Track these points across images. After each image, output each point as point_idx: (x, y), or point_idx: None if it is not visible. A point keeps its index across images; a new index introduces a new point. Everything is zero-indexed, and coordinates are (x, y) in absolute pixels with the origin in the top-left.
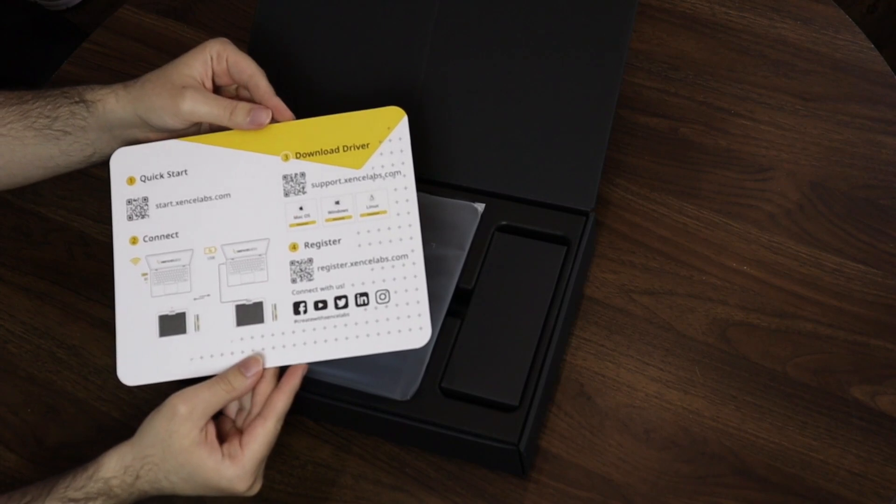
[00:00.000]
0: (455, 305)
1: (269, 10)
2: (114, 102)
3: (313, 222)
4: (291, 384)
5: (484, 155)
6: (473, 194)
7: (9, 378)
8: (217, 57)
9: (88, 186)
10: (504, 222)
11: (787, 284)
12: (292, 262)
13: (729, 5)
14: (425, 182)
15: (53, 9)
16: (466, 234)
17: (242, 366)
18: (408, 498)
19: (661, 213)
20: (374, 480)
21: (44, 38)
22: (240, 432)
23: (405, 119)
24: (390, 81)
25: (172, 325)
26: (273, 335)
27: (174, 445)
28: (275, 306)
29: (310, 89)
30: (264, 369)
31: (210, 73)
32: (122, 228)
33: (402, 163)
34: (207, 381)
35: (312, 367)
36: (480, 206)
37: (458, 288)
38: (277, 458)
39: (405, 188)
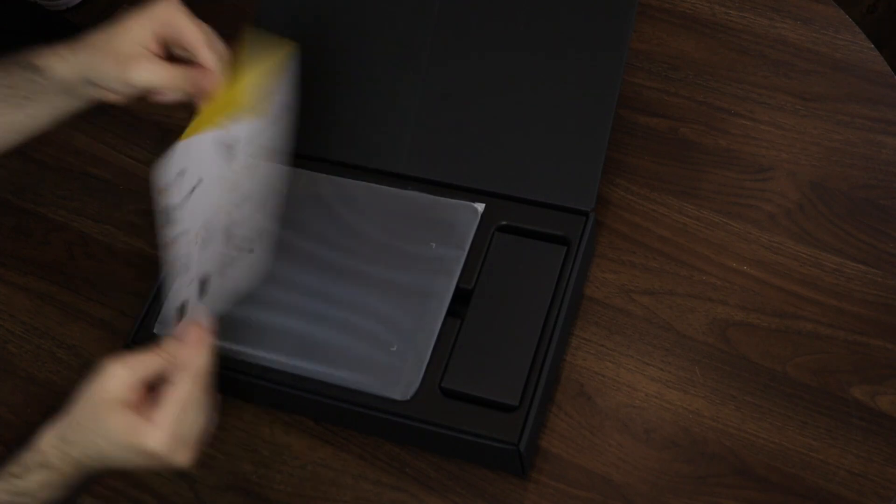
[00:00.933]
0: (455, 305)
1: (269, 10)
2: (62, 67)
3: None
4: (195, 336)
5: (484, 155)
6: (473, 194)
7: (9, 378)
8: (163, 24)
9: (88, 186)
10: (504, 222)
11: (787, 284)
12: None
13: (729, 5)
14: (426, 182)
15: (53, 9)
16: (466, 234)
17: (178, 333)
18: (408, 498)
19: (661, 213)
20: (374, 480)
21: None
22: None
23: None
24: (390, 81)
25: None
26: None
27: (103, 408)
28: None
29: (310, 90)
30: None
31: (157, 39)
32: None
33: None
34: (150, 351)
35: (311, 367)
36: (480, 206)
37: (458, 288)
38: (277, 458)
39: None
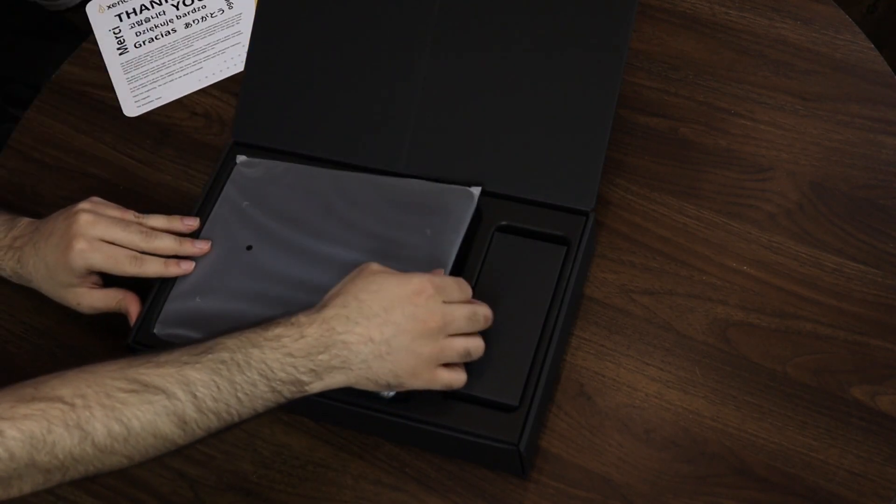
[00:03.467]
0: None
1: (269, 10)
2: (13, 265)
3: None
4: None
5: (484, 154)
6: None
7: (9, 378)
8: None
9: (88, 187)
10: (504, 222)
11: (787, 284)
12: None
13: (729, 5)
14: (426, 181)
15: (53, 9)
16: (462, 218)
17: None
18: (408, 498)
19: (661, 213)
20: (374, 480)
21: (44, 38)
22: None
23: None
24: (390, 80)
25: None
26: None
27: (365, 273)
28: None
29: (310, 89)
30: None
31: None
32: None
33: None
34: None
35: None
36: (476, 190)
37: None
38: (277, 458)
39: None
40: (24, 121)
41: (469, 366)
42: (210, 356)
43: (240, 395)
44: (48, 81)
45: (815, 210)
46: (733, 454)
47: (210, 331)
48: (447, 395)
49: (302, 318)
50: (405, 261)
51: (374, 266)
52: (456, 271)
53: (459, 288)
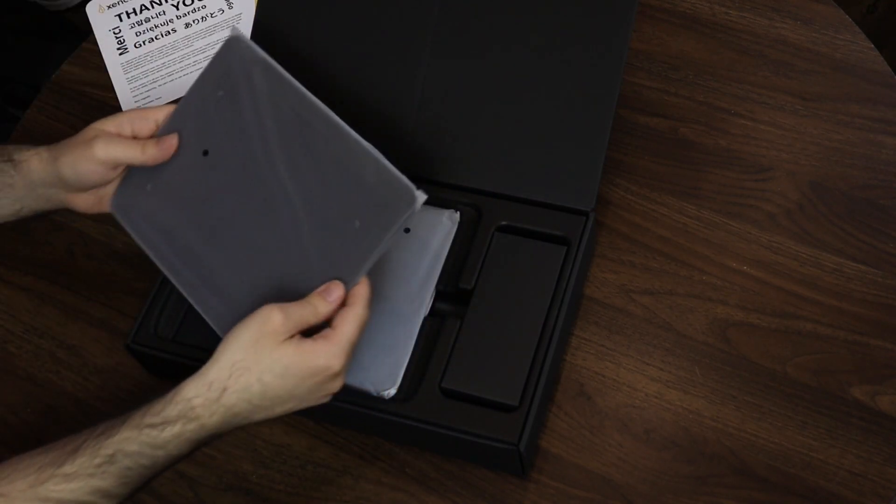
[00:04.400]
0: (455, 306)
1: (269, 10)
2: (37, 163)
3: None
4: (339, 290)
5: (484, 155)
6: (473, 194)
7: (9, 378)
8: (132, 123)
9: None
10: (504, 222)
11: (787, 284)
12: None
13: (729, 5)
14: (426, 182)
15: (53, 9)
16: (394, 219)
17: (325, 292)
18: (408, 498)
19: (661, 213)
20: (374, 480)
21: (44, 38)
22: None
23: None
24: (390, 81)
25: None
26: None
27: (268, 344)
28: None
29: (310, 89)
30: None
31: (123, 129)
32: None
33: None
34: (294, 303)
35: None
36: (422, 196)
37: (458, 288)
38: (277, 458)
39: None
40: (24, 121)
41: (469, 366)
42: (114, 466)
43: (151, 475)
44: (48, 81)
45: (815, 210)
46: (733, 454)
47: (148, 229)
48: (447, 395)
49: (200, 409)
50: (321, 252)
51: (276, 323)
52: (456, 271)
53: (360, 328)
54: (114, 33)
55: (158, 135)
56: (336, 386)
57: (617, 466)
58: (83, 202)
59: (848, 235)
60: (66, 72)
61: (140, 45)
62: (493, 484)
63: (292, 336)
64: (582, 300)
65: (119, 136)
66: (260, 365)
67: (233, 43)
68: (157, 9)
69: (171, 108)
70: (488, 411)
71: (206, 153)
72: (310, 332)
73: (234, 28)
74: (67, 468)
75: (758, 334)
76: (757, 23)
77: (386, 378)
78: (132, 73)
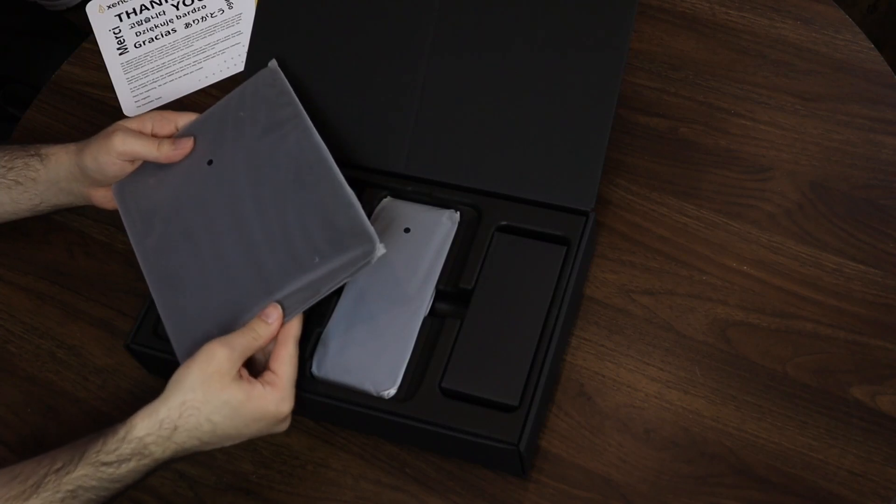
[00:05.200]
0: (455, 306)
1: (269, 10)
2: (64, 156)
3: None
4: (278, 313)
5: (484, 155)
6: (473, 194)
7: (9, 378)
8: (153, 122)
9: None
10: (504, 222)
11: (787, 284)
12: None
13: (729, 5)
14: (426, 182)
15: (53, 9)
16: (345, 269)
17: (264, 315)
18: (408, 498)
19: (661, 213)
20: (374, 480)
21: (44, 38)
22: (265, 367)
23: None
24: (390, 81)
25: None
26: None
27: (215, 385)
28: None
29: (310, 90)
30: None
31: (145, 126)
32: None
33: None
34: (236, 332)
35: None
36: (380, 249)
37: (458, 288)
38: (277, 458)
39: None
40: (24, 121)
41: (469, 366)
42: (76, 501)
43: (116, 496)
44: (48, 81)
45: (815, 210)
46: (733, 454)
47: (139, 219)
48: (447, 395)
49: (152, 447)
50: (276, 279)
51: (222, 360)
52: (456, 271)
53: (296, 366)
54: (114, 33)
55: (176, 137)
56: (284, 427)
57: (617, 466)
58: (102, 196)
59: (848, 235)
60: (66, 72)
61: (140, 45)
62: (493, 484)
63: (240, 373)
64: (582, 300)
65: (138, 132)
66: (209, 405)
67: (268, 73)
68: (157, 9)
69: (193, 115)
70: (488, 411)
71: (210, 163)
72: (252, 366)
73: (273, 62)
74: (33, 502)
75: (758, 334)
76: (757, 23)
77: (386, 378)
78: (132, 73)
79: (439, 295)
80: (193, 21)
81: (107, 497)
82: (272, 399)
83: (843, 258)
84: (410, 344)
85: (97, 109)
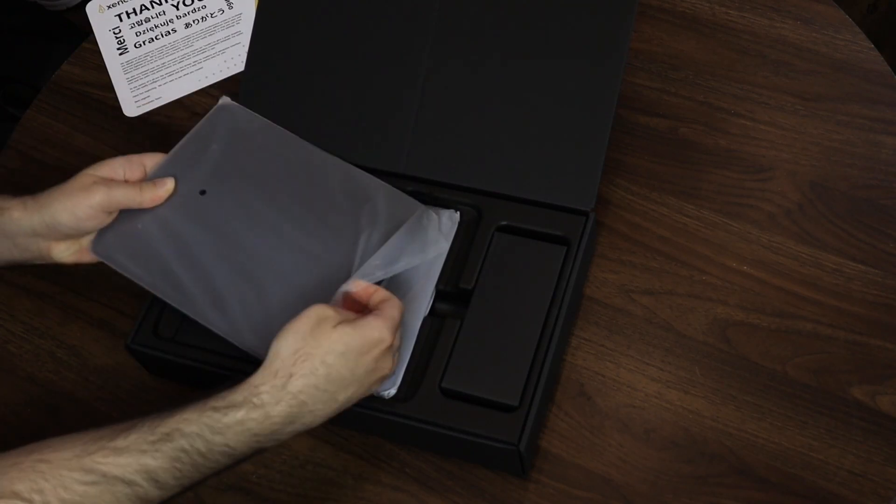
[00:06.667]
0: (455, 306)
1: (269, 10)
2: (20, 212)
3: None
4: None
5: (484, 154)
6: (473, 194)
7: (9, 378)
8: (124, 168)
9: None
10: (504, 222)
11: (787, 284)
12: None
13: (729, 5)
14: (426, 182)
15: (53, 9)
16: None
17: (350, 284)
18: (408, 498)
19: (661, 213)
20: (374, 480)
21: (44, 38)
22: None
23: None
24: (390, 81)
25: None
26: None
27: (325, 330)
28: None
29: (310, 91)
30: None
31: (116, 173)
32: None
33: None
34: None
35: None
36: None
37: (458, 288)
38: (277, 458)
39: None
40: (24, 121)
41: (469, 366)
42: (169, 445)
43: (203, 470)
44: (48, 81)
45: (815, 210)
46: (733, 454)
47: (141, 264)
48: (447, 395)
49: (266, 396)
50: (322, 266)
51: (329, 312)
52: (456, 271)
53: (401, 313)
54: (114, 33)
55: (147, 180)
56: (388, 366)
57: (617, 466)
58: (65, 250)
59: (848, 235)
60: (66, 72)
61: (140, 45)
62: (493, 484)
63: (342, 321)
64: (582, 300)
65: (118, 181)
66: (321, 348)
67: (223, 109)
68: (157, 9)
69: (159, 155)
70: (488, 411)
71: (203, 192)
72: None
73: (223, 97)
74: (120, 442)
75: (758, 334)
76: (757, 23)
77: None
78: (132, 73)
79: (439, 295)
80: (193, 21)
81: (200, 455)
82: (377, 325)
83: (843, 258)
84: (410, 344)
85: (97, 109)
